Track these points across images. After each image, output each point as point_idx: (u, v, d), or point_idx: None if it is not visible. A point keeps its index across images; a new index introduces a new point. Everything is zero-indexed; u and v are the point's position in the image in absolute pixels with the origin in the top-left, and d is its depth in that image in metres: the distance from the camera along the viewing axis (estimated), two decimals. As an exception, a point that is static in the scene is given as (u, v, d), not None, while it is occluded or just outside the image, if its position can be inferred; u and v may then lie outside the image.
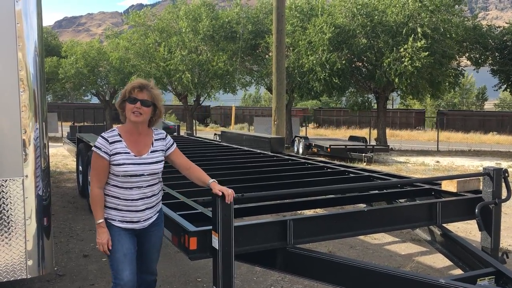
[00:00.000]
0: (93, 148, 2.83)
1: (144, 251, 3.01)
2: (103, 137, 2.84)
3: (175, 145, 3.06)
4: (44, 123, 3.62)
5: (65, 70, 30.39)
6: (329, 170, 5.96)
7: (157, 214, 3.01)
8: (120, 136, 2.84)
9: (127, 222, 2.86)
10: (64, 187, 9.89)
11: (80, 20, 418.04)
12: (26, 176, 3.50)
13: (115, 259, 2.84)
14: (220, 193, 2.83)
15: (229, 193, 2.84)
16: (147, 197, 2.89)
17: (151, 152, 2.90)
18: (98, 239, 2.82)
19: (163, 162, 2.96)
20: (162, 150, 2.97)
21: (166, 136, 3.03)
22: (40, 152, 3.58)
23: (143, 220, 2.91)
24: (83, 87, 33.63)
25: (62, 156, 15.41)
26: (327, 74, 18.60)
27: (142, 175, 2.82)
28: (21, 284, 4.33)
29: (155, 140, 2.95)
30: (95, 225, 2.86)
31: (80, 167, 8.44)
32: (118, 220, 2.85)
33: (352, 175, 5.56)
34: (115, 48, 26.18)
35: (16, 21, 3.43)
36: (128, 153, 2.82)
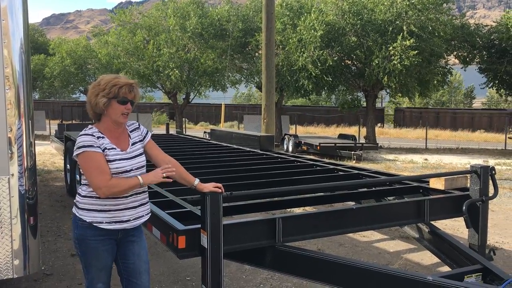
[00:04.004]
0: (83, 149, 2.61)
1: (129, 264, 2.84)
2: (87, 134, 2.66)
3: (150, 134, 2.94)
4: (30, 121, 3.58)
5: (51, 69, 30.18)
6: (318, 168, 5.96)
7: (148, 214, 2.89)
8: (102, 133, 2.70)
9: (116, 222, 2.70)
10: (52, 186, 9.80)
11: (68, 17, 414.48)
12: (12, 174, 3.46)
13: (90, 272, 2.77)
14: (219, 190, 2.85)
15: (218, 187, 2.88)
16: (137, 194, 2.76)
17: (132, 144, 2.78)
18: (155, 177, 2.66)
19: (144, 154, 2.84)
20: (140, 141, 2.85)
21: (139, 125, 2.92)
22: (27, 151, 3.54)
23: (134, 219, 2.76)
24: (71, 85, 33.41)
25: (50, 154, 15.27)
26: (319, 71, 18.64)
27: (131, 170, 2.70)
28: (8, 284, 4.28)
29: (130, 131, 2.84)
30: (142, 185, 2.64)
31: (68, 165, 8.37)
32: (106, 222, 2.69)
33: (341, 173, 5.57)
34: (104, 45, 25.99)
35: (1, 18, 3.38)
36: (115, 148, 2.69)
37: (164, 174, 2.67)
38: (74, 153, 2.66)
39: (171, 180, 2.76)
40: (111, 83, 2.66)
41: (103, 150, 2.64)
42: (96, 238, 2.70)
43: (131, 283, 2.86)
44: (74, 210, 2.79)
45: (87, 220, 2.69)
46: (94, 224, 2.69)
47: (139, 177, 2.66)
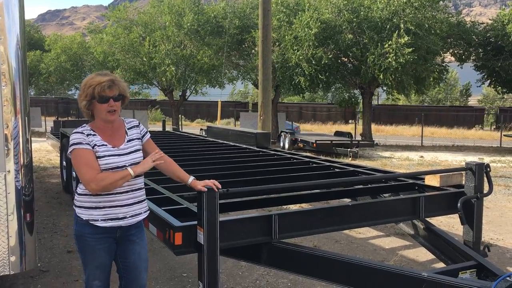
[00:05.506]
0: (73, 147, 2.64)
1: (129, 262, 2.86)
2: (77, 132, 2.69)
3: (149, 134, 2.96)
4: (26, 117, 3.56)
5: (46, 65, 30.08)
6: (314, 165, 5.98)
7: (146, 212, 2.89)
8: (94, 131, 2.71)
9: (111, 220, 2.71)
10: (48, 183, 9.78)
11: (64, 13, 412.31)
12: (9, 171, 3.45)
13: (87, 269, 2.80)
14: (206, 189, 2.83)
15: (214, 183, 2.86)
16: (133, 190, 2.76)
17: (128, 141, 2.78)
18: (145, 165, 2.68)
19: (141, 151, 2.84)
20: (138, 139, 2.85)
21: (139, 123, 2.93)
22: (23, 147, 3.52)
23: (130, 216, 2.76)
24: (67, 82, 33.30)
25: (46, 151, 15.23)
26: (313, 69, 18.63)
27: (124, 166, 2.69)
28: (4, 280, 4.29)
29: (128, 128, 2.84)
30: (131, 174, 2.64)
31: (64, 162, 8.35)
32: (101, 220, 2.69)
33: (337, 170, 5.59)
34: (99, 42, 25.90)
35: (-2, 14, 3.37)
36: (106, 145, 2.69)
37: (153, 159, 2.70)
38: (67, 152, 2.71)
39: (162, 161, 2.79)
40: (87, 84, 2.66)
41: (93, 147, 2.66)
42: (93, 236, 2.72)
43: (130, 281, 2.88)
44: (74, 206, 2.81)
45: (84, 218, 2.71)
46: (91, 222, 2.70)
47: (128, 168, 2.67)
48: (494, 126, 37.10)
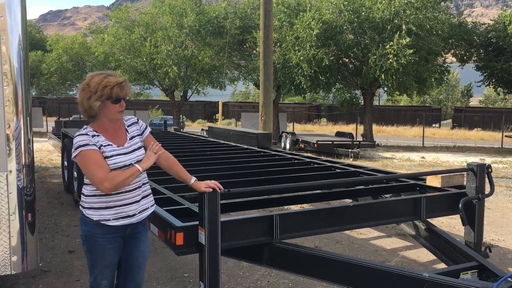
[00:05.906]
0: (79, 149, 2.62)
1: (132, 259, 2.88)
2: (81, 134, 2.68)
3: (149, 129, 2.96)
4: (28, 117, 3.57)
5: (48, 65, 30.14)
6: (315, 165, 5.98)
7: (153, 206, 2.92)
8: (97, 132, 2.71)
9: (122, 218, 2.72)
10: (49, 183, 9.80)
11: (65, 13, 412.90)
12: (10, 171, 3.45)
13: (96, 269, 2.79)
14: (210, 190, 2.84)
15: (216, 185, 2.86)
16: (139, 187, 2.79)
17: (130, 139, 2.79)
18: (149, 159, 2.72)
19: (143, 147, 2.85)
20: (139, 135, 2.86)
21: (138, 120, 2.93)
22: (24, 147, 3.53)
23: (139, 212, 2.79)
24: (68, 82, 33.39)
25: (47, 151, 15.25)
26: (313, 71, 18.64)
27: (131, 164, 2.70)
28: (6, 280, 4.29)
29: (128, 126, 2.85)
30: (140, 170, 2.66)
31: (66, 162, 8.36)
32: (113, 219, 2.70)
33: (338, 170, 5.59)
34: (100, 43, 25.94)
35: (0, 14, 3.38)
36: (111, 145, 2.70)
37: (154, 151, 2.75)
38: (72, 156, 2.69)
39: (162, 150, 2.82)
40: (102, 84, 2.61)
41: (99, 148, 2.66)
42: (104, 236, 2.72)
43: (129, 277, 2.90)
44: (81, 208, 2.80)
45: (94, 219, 2.71)
46: (102, 222, 2.70)
47: (136, 165, 2.69)
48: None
